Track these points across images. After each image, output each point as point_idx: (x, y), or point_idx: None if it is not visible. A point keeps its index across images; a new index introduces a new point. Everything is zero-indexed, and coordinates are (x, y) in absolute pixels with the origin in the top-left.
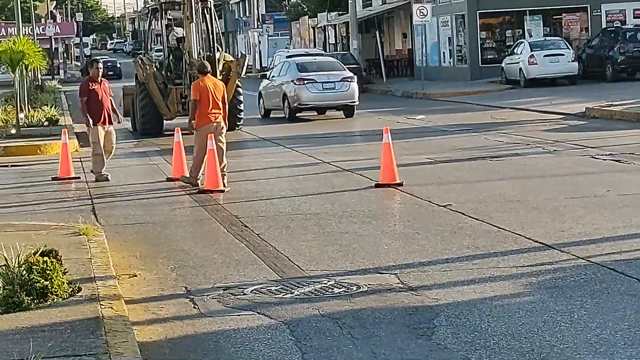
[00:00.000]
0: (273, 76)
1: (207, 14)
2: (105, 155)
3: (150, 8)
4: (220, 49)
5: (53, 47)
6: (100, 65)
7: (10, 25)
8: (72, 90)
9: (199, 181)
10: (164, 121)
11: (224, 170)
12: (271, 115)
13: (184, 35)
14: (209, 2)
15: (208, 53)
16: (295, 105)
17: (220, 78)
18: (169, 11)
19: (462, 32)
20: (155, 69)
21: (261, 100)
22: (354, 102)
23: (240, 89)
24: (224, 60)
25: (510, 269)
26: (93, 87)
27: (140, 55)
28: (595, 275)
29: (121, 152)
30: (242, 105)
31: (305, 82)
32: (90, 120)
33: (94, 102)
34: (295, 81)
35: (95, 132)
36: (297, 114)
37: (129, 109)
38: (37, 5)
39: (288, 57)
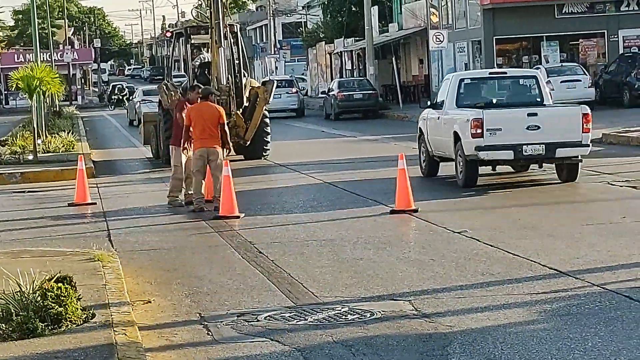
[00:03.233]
0: None
1: (233, 38)
2: (185, 181)
3: (174, 32)
4: (246, 74)
5: (71, 73)
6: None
7: (29, 52)
8: (89, 116)
9: (202, 199)
10: None
11: (218, 195)
12: None
13: (210, 60)
14: (235, 27)
15: (235, 79)
16: None
17: (247, 105)
18: (193, 36)
19: (478, 58)
20: (180, 95)
21: None
22: (295, 107)
23: (267, 117)
24: (250, 86)
25: (525, 295)
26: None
27: (165, 81)
28: (610, 302)
29: (137, 178)
30: (269, 133)
31: None
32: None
33: (180, 125)
34: None
35: (177, 154)
36: None
37: (150, 137)
38: (55, 32)
39: None
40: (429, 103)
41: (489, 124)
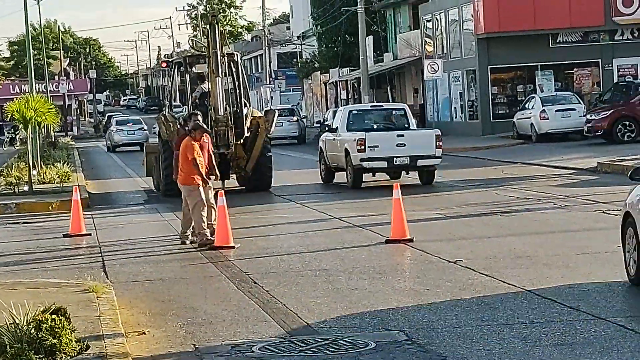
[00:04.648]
0: None
1: (234, 67)
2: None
3: (173, 62)
4: (247, 104)
5: (66, 104)
6: (200, 118)
7: (24, 83)
8: (85, 147)
9: (187, 236)
10: None
11: (196, 230)
12: None
13: (209, 90)
14: (235, 56)
15: (235, 109)
16: None
17: (248, 135)
18: (194, 65)
19: (473, 87)
20: (179, 126)
21: None
22: (296, 134)
23: (269, 147)
24: (251, 116)
25: (520, 325)
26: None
27: (164, 112)
28: (605, 332)
29: (132, 209)
30: (271, 164)
31: None
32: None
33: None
34: None
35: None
36: None
37: (152, 168)
38: (50, 63)
39: None
40: (327, 128)
41: (369, 142)
